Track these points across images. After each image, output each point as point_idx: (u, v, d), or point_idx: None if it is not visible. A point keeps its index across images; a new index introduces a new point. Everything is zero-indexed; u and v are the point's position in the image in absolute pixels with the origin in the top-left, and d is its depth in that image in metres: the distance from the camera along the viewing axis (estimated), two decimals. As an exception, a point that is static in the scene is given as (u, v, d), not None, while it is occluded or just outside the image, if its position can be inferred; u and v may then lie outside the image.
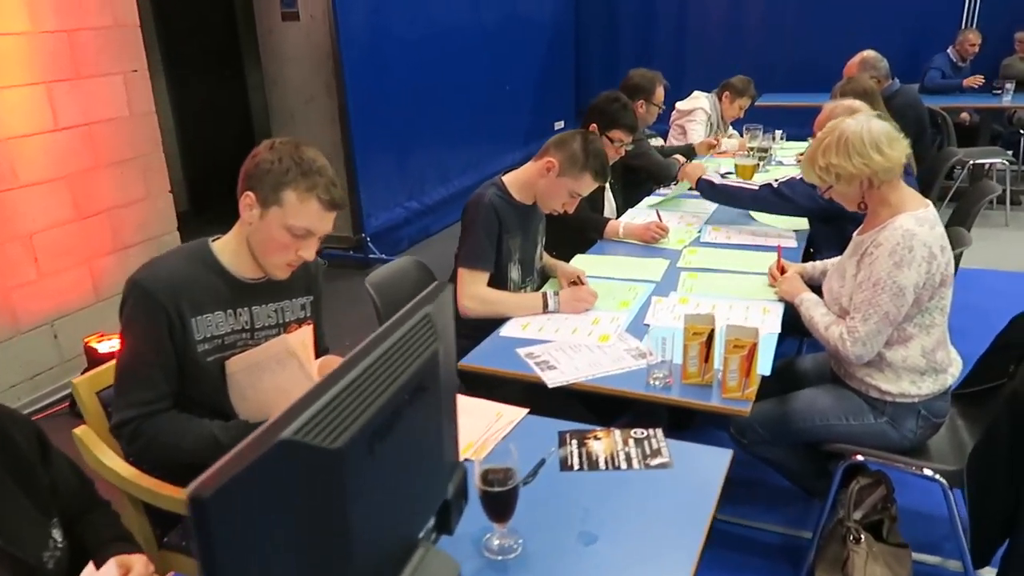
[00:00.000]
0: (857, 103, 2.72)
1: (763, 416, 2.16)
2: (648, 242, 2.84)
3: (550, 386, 1.82)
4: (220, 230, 1.75)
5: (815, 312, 2.08)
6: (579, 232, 2.95)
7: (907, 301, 1.90)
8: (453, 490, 1.09)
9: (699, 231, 3.00)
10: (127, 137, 3.72)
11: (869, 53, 4.00)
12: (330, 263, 5.26)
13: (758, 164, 3.30)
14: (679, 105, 4.57)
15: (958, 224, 3.44)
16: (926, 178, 3.98)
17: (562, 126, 8.04)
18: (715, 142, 4.19)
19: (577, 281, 2.37)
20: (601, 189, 3.12)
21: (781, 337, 2.09)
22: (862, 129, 1.93)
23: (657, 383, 1.79)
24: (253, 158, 1.51)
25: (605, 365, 1.90)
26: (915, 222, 1.90)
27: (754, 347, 1.67)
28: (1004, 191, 5.61)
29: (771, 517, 2.48)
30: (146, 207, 3.87)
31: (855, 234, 2.09)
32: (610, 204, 3.21)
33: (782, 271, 2.36)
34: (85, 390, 1.66)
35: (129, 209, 3.76)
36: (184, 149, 6.44)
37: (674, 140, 4.58)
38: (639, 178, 3.73)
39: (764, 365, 1.85)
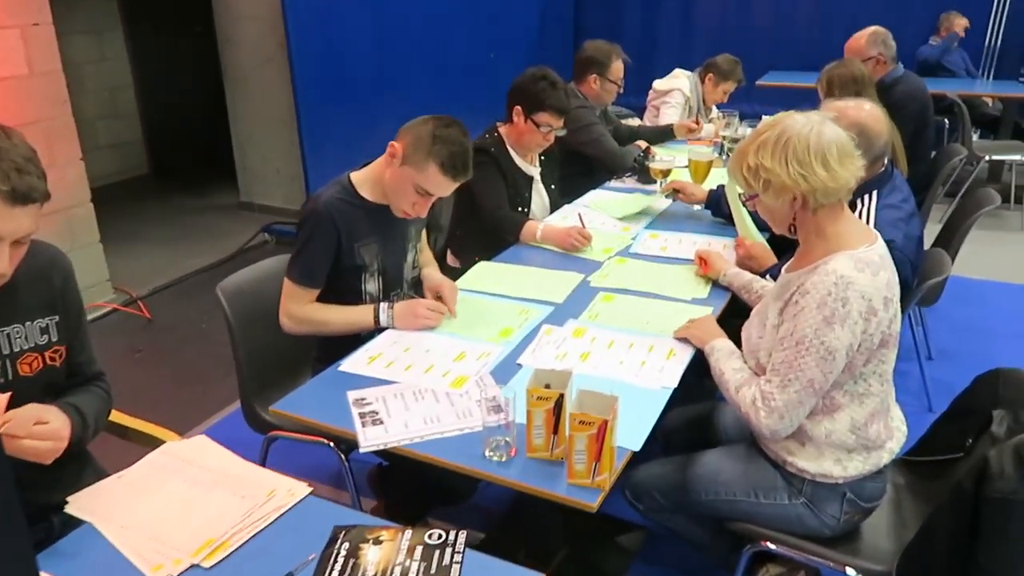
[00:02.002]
0: (866, 109, 2.14)
1: (662, 481, 1.78)
2: (568, 250, 2.43)
3: (361, 449, 1.45)
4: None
5: (726, 366, 1.67)
6: (492, 232, 2.55)
7: (837, 366, 1.49)
8: None
9: (634, 237, 2.57)
10: (26, 98, 3.36)
11: (880, 29, 3.50)
12: (277, 241, 4.97)
13: (711, 162, 2.85)
14: (656, 84, 4.10)
15: (948, 238, 2.99)
16: (924, 179, 3.51)
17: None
18: (695, 125, 3.72)
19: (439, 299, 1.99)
20: (526, 180, 2.70)
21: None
22: (811, 133, 1.49)
23: (494, 456, 1.41)
24: None
25: (444, 422, 1.52)
26: (854, 266, 1.48)
27: (605, 425, 1.28)
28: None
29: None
30: (52, 177, 3.47)
31: (783, 270, 1.67)
32: (541, 199, 2.78)
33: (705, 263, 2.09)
34: None
35: (28, 179, 3.41)
36: (145, 109, 6.09)
37: (648, 122, 4.12)
38: (589, 168, 3.30)
39: (633, 439, 1.46)
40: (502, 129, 2.64)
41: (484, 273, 2.28)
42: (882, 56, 3.46)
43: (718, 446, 1.83)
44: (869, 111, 2.14)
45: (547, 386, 1.41)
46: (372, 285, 1.99)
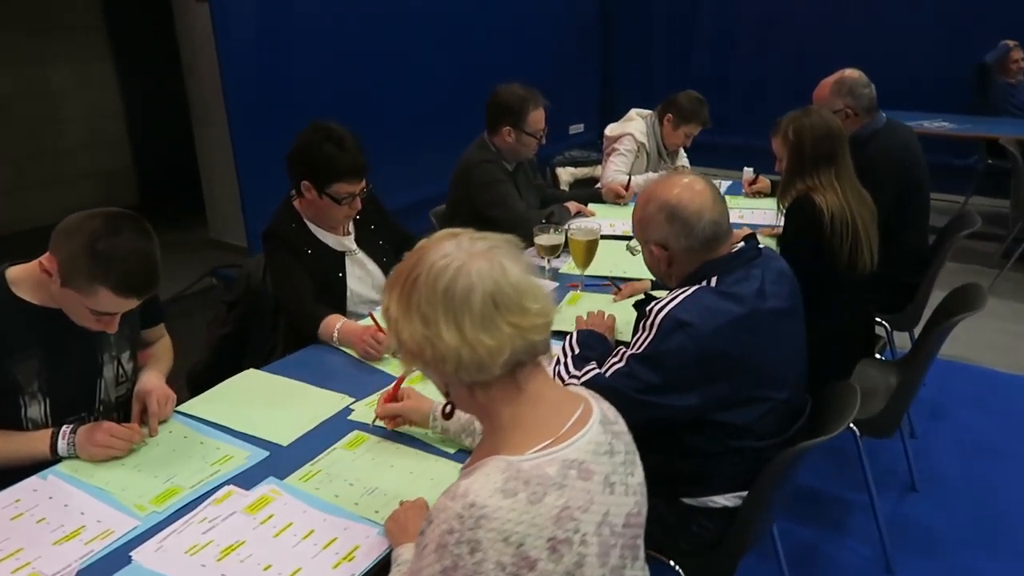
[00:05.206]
0: (683, 183, 1.62)
1: None
2: (364, 358, 1.93)
3: None
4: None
5: None
6: (299, 328, 2.08)
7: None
8: None
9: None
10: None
11: (849, 74, 2.78)
12: (225, 286, 4.65)
13: (596, 241, 2.26)
14: (608, 129, 3.50)
15: (914, 355, 2.33)
16: (920, 253, 2.80)
17: (580, 130, 6.94)
18: (623, 191, 3.12)
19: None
20: (337, 258, 2.20)
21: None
22: (447, 270, 0.98)
23: None
24: None
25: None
26: (500, 485, 0.94)
27: None
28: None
29: None
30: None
31: (462, 466, 1.15)
32: (365, 274, 2.23)
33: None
34: None
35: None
36: (134, 137, 5.98)
37: (604, 173, 3.55)
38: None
39: None
40: (297, 204, 2.19)
41: (239, 387, 1.81)
42: (850, 108, 2.72)
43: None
44: (687, 184, 1.62)
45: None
46: (36, 410, 1.59)
